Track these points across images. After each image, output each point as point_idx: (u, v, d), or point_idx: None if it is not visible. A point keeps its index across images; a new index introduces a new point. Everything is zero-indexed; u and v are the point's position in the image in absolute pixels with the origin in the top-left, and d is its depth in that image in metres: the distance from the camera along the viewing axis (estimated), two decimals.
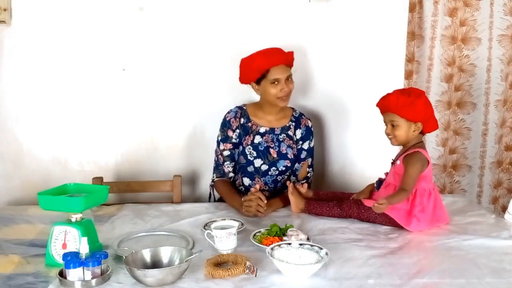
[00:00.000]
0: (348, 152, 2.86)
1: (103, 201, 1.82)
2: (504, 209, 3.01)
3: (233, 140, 2.46)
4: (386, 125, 2.11)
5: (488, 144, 3.01)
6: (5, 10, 2.58)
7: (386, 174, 2.20)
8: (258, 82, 2.38)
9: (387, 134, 2.11)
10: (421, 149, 2.06)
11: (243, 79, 2.45)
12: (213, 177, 2.50)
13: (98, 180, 2.52)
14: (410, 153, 2.05)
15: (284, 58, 2.38)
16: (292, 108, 2.55)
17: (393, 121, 2.06)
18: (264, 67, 2.33)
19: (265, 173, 2.45)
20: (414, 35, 2.85)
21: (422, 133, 2.12)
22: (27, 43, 2.64)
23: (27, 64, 2.66)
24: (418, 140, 2.11)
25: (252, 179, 2.45)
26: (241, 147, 2.46)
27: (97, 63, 2.68)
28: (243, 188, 2.47)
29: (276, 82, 2.34)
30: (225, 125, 2.48)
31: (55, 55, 2.66)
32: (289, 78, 2.38)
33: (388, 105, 2.05)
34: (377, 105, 2.13)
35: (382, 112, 2.12)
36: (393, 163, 2.15)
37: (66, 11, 2.63)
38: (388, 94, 2.09)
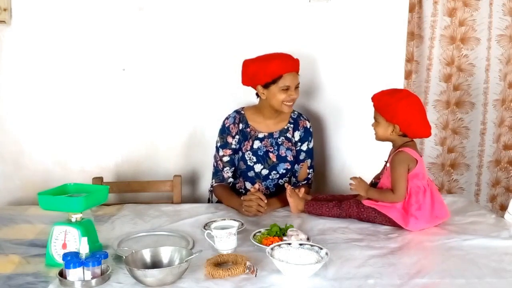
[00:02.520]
0: (348, 153, 2.86)
1: (103, 201, 1.82)
2: (502, 207, 3.04)
3: (233, 146, 2.45)
4: None
5: (486, 143, 3.03)
6: (5, 10, 2.58)
7: (377, 176, 2.21)
8: (266, 86, 2.33)
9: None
10: (407, 148, 2.05)
11: (248, 81, 2.39)
12: (212, 182, 2.49)
13: (98, 180, 2.52)
14: (395, 154, 2.07)
15: (296, 65, 2.35)
16: None
17: (375, 117, 2.12)
18: (279, 72, 2.28)
19: (266, 177, 2.45)
20: (414, 35, 2.86)
21: (407, 136, 2.10)
22: (27, 43, 2.64)
23: (27, 64, 2.66)
24: (406, 141, 2.10)
25: (253, 183, 2.44)
26: (240, 153, 2.45)
27: (97, 63, 2.68)
28: (244, 192, 2.46)
29: (286, 89, 2.32)
30: (224, 131, 2.46)
31: (55, 55, 2.66)
32: (297, 86, 2.36)
33: (373, 101, 2.12)
34: (371, 99, 2.16)
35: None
36: (386, 164, 2.15)
37: (66, 11, 2.63)
38: (379, 91, 2.12)
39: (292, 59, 2.34)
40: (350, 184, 2.12)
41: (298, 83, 2.36)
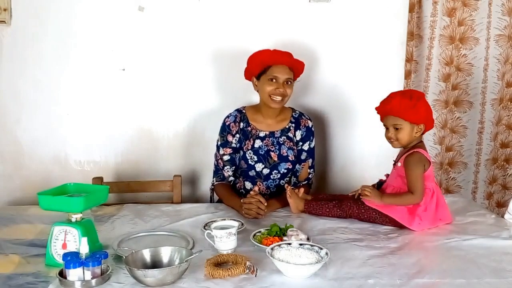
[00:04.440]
0: (348, 152, 2.86)
1: (103, 201, 1.82)
2: (498, 204, 3.07)
3: (233, 145, 2.46)
4: (387, 128, 2.10)
5: (484, 142, 3.04)
6: (5, 10, 2.58)
7: (387, 175, 2.20)
8: (258, 77, 2.39)
9: (389, 138, 2.10)
10: (421, 149, 2.07)
11: (247, 74, 2.47)
12: (213, 181, 2.49)
13: (98, 180, 2.52)
14: (410, 154, 2.06)
15: (289, 61, 2.37)
16: (292, 109, 2.55)
17: (396, 124, 2.06)
18: (267, 62, 2.35)
19: (267, 177, 2.45)
20: (413, 35, 2.85)
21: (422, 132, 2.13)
22: (27, 43, 2.64)
23: (27, 64, 2.66)
24: (418, 140, 2.12)
25: (254, 183, 2.45)
26: (241, 152, 2.45)
27: (97, 63, 2.69)
28: (244, 192, 2.46)
29: (274, 80, 2.34)
30: (225, 130, 2.47)
31: (55, 55, 2.66)
32: (289, 82, 2.37)
33: (392, 108, 2.05)
34: (377, 108, 2.13)
35: (383, 116, 2.12)
36: (395, 164, 2.15)
37: (66, 11, 2.63)
38: (389, 98, 2.09)
39: (285, 53, 2.38)
40: (363, 194, 2.04)
41: (289, 79, 2.37)
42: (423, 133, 2.13)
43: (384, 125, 2.12)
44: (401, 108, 2.03)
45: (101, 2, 2.64)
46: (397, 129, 2.06)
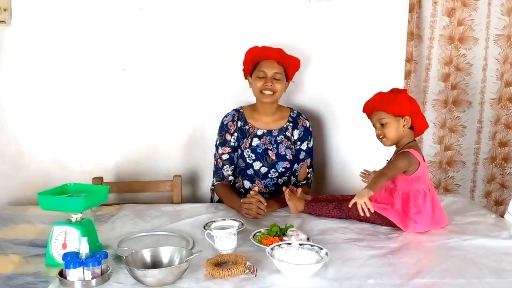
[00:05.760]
0: (348, 153, 2.86)
1: (103, 201, 1.82)
2: (496, 202, 3.09)
3: (232, 144, 2.46)
4: (375, 126, 2.12)
5: (483, 141, 3.05)
6: (5, 10, 2.58)
7: None
8: (251, 75, 2.44)
9: (378, 136, 2.11)
10: (413, 149, 2.05)
11: (244, 73, 2.51)
12: (213, 181, 2.50)
13: (98, 180, 2.52)
14: (401, 152, 2.06)
15: (277, 56, 2.39)
16: (290, 108, 2.56)
17: (381, 119, 2.08)
18: (256, 58, 2.40)
19: (265, 175, 2.45)
20: (413, 35, 2.86)
21: (414, 132, 2.12)
22: (27, 43, 2.64)
23: (27, 64, 2.66)
24: (411, 139, 2.11)
25: (252, 182, 2.45)
26: (239, 150, 2.46)
27: (97, 63, 2.68)
28: (243, 191, 2.47)
29: (262, 76, 2.36)
30: (223, 129, 2.48)
31: (55, 55, 2.66)
32: (278, 77, 2.38)
33: (374, 104, 2.09)
34: (363, 110, 2.15)
35: (369, 115, 2.14)
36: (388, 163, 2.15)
37: (66, 11, 2.63)
38: (369, 99, 2.12)
39: (273, 49, 2.40)
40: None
41: (278, 73, 2.38)
42: (415, 132, 2.12)
43: (372, 123, 2.14)
44: (382, 102, 2.06)
45: (101, 2, 2.64)
46: (382, 125, 2.08)
